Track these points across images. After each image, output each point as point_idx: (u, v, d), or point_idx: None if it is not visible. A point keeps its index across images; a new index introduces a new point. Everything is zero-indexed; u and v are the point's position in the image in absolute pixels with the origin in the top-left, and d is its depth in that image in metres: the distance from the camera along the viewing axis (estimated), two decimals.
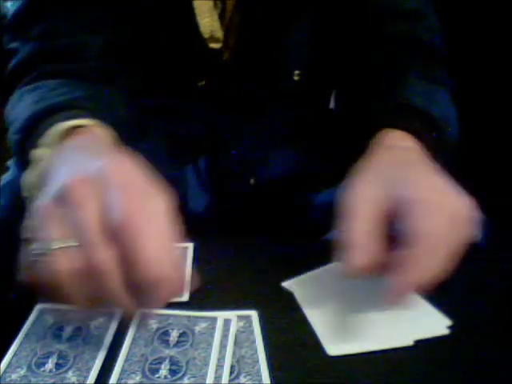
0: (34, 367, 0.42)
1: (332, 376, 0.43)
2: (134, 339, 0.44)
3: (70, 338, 0.45)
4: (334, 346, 0.45)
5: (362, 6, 0.68)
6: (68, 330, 0.46)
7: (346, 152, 0.72)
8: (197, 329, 0.45)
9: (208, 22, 0.67)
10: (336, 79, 0.77)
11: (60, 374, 0.42)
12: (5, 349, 0.44)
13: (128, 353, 0.43)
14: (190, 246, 0.56)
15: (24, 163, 0.53)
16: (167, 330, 0.45)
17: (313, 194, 0.73)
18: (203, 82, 0.71)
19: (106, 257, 0.39)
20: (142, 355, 0.43)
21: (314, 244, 0.57)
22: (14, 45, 0.64)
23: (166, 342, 0.44)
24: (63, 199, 0.41)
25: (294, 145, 0.74)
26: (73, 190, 0.41)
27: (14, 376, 0.42)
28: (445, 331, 0.47)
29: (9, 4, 0.64)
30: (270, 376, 0.42)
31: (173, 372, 0.42)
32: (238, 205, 0.72)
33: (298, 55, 0.72)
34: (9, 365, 0.43)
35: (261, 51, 0.69)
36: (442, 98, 0.64)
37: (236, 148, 0.73)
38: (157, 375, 0.41)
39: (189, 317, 0.46)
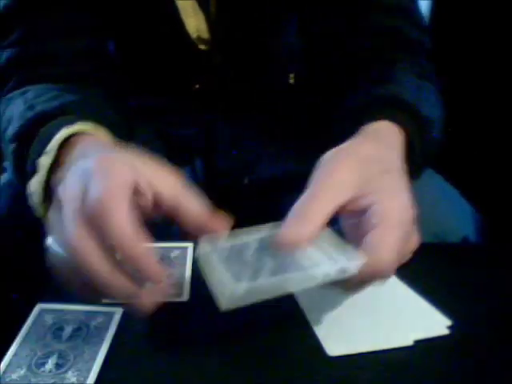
0: (33, 367, 0.42)
1: (332, 376, 0.43)
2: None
3: (70, 338, 0.45)
4: (334, 346, 0.45)
5: (348, 1, 0.66)
6: (68, 330, 0.46)
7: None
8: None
9: (193, 21, 0.66)
10: (331, 77, 0.76)
11: (60, 374, 0.42)
12: (5, 349, 0.44)
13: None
14: (190, 246, 0.56)
15: (21, 171, 0.52)
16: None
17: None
18: (197, 86, 0.70)
19: (83, 244, 0.39)
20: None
21: None
22: None
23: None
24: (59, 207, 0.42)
25: (287, 144, 0.74)
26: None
27: (14, 376, 0.42)
28: (445, 331, 0.47)
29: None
30: (270, 376, 0.42)
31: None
32: (232, 204, 0.72)
33: (290, 58, 0.72)
34: (9, 365, 0.43)
35: (250, 53, 0.69)
36: (429, 96, 0.61)
37: (232, 148, 0.73)
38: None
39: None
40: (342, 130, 0.54)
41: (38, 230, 0.50)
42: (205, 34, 0.67)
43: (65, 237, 0.40)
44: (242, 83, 0.70)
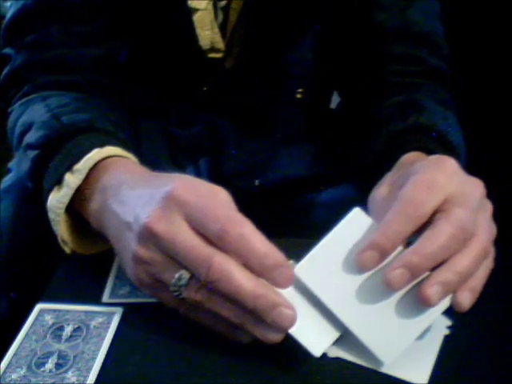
0: (34, 367, 0.43)
1: (332, 376, 0.43)
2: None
3: (70, 338, 0.45)
4: (334, 347, 0.45)
5: (367, 23, 0.67)
6: (68, 330, 0.46)
7: (347, 152, 0.72)
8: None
9: (209, 34, 0.66)
10: (339, 93, 0.77)
11: (60, 374, 0.42)
12: (5, 349, 0.44)
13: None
14: None
15: (39, 178, 0.52)
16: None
17: (315, 193, 0.73)
18: (205, 88, 0.71)
19: (224, 258, 0.40)
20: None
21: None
22: (7, 51, 0.63)
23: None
24: (149, 240, 0.42)
25: (298, 146, 0.74)
26: (155, 226, 0.41)
27: (14, 376, 0.42)
28: (445, 331, 0.47)
29: (8, 4, 0.64)
30: (269, 376, 0.42)
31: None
32: (241, 205, 0.72)
33: (302, 73, 0.72)
34: (9, 365, 0.43)
35: (263, 63, 0.69)
36: (454, 125, 0.61)
37: (238, 149, 0.73)
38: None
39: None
40: (370, 150, 0.59)
41: (38, 231, 0.51)
42: (219, 45, 0.67)
43: (198, 263, 0.40)
44: (250, 91, 0.71)
